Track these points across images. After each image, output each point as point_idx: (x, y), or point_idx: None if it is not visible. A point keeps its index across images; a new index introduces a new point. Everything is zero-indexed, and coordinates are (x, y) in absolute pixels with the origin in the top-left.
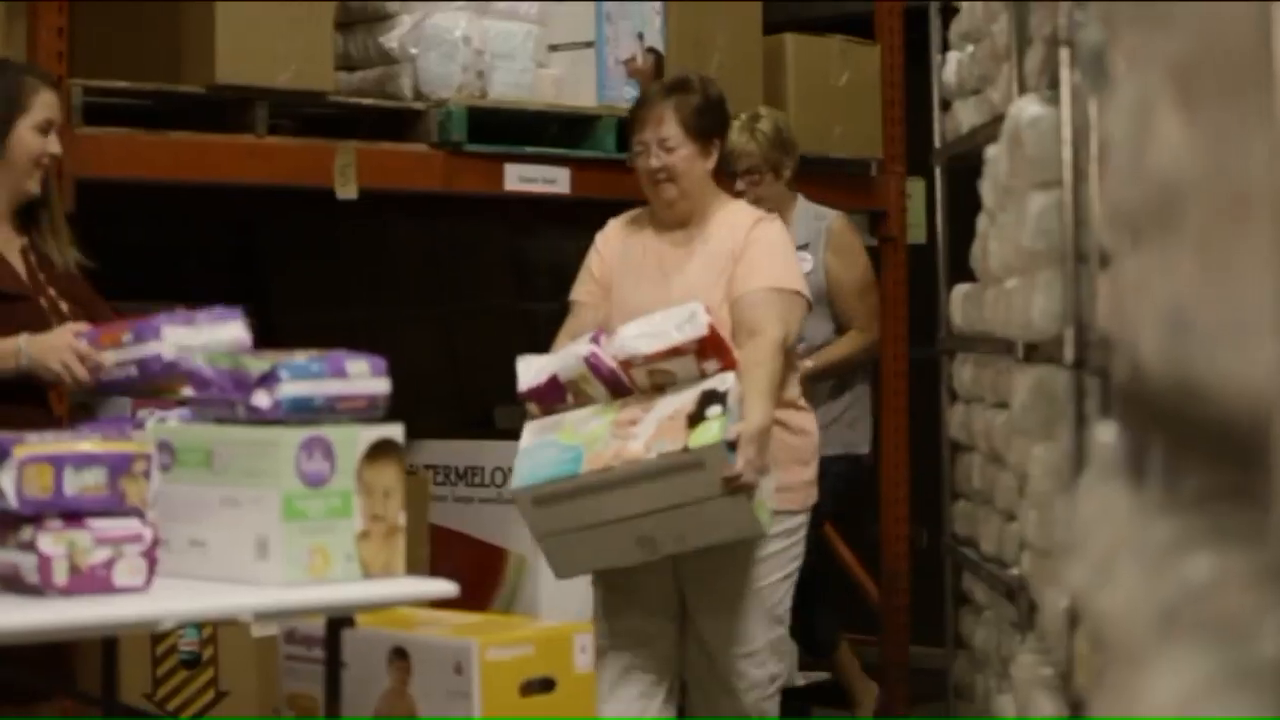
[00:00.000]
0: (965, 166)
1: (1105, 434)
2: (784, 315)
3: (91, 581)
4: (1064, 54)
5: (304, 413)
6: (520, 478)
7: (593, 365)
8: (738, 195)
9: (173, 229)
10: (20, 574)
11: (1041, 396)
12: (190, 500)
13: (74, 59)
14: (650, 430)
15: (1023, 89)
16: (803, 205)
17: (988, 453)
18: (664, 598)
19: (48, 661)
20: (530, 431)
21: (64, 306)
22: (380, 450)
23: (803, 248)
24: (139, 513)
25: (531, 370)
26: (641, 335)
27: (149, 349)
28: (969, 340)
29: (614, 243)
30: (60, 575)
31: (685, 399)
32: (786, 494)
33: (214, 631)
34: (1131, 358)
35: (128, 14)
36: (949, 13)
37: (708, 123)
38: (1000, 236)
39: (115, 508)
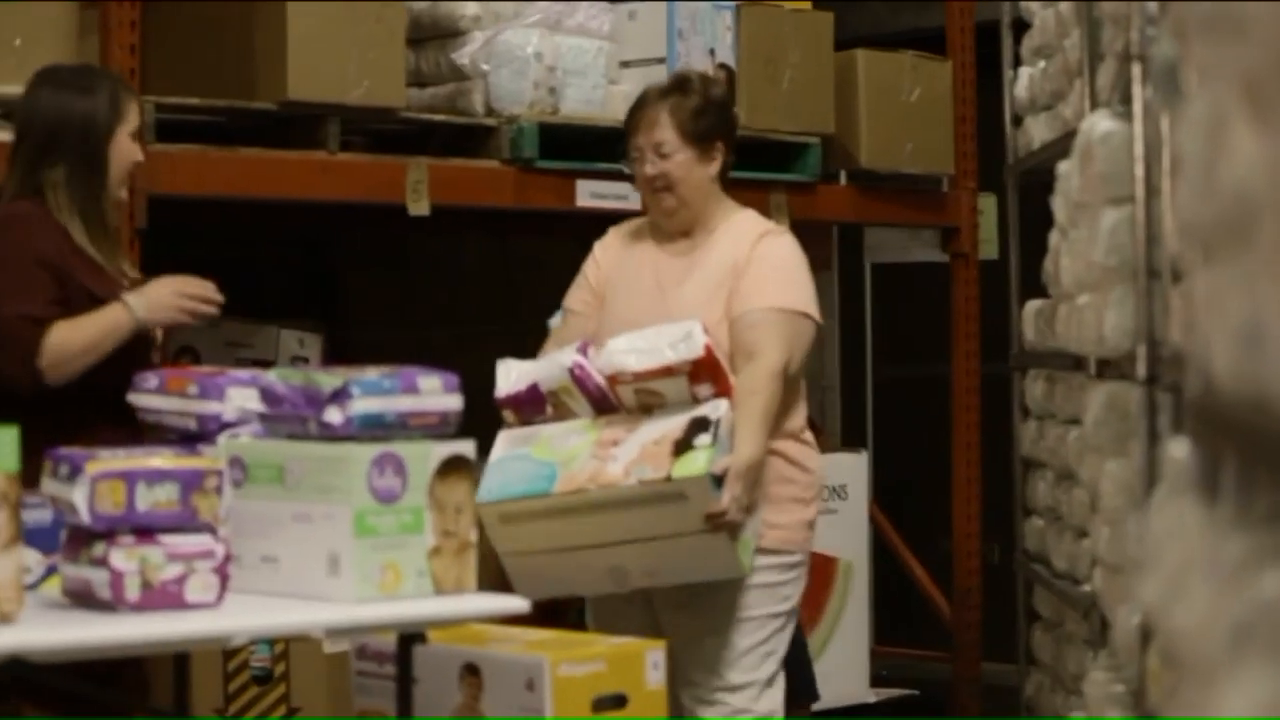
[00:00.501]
0: (1037, 182)
1: (1178, 450)
2: (787, 339)
3: (163, 597)
4: (1136, 69)
5: (376, 429)
6: (487, 491)
7: (578, 378)
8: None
9: (244, 246)
10: (92, 590)
11: (1114, 412)
12: (262, 516)
13: (146, 75)
14: (632, 453)
15: (1095, 104)
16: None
17: (1059, 469)
18: (643, 627)
19: (120, 677)
20: (503, 442)
21: None
22: (452, 466)
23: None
24: (211, 528)
25: (511, 376)
26: (632, 350)
27: (210, 407)
28: (1041, 356)
29: (613, 251)
30: (132, 591)
31: (673, 424)
32: (780, 531)
33: (286, 647)
34: (1204, 373)
35: (199, 30)
36: (1021, 28)
37: (708, 126)
38: (1072, 252)
39: (187, 523)
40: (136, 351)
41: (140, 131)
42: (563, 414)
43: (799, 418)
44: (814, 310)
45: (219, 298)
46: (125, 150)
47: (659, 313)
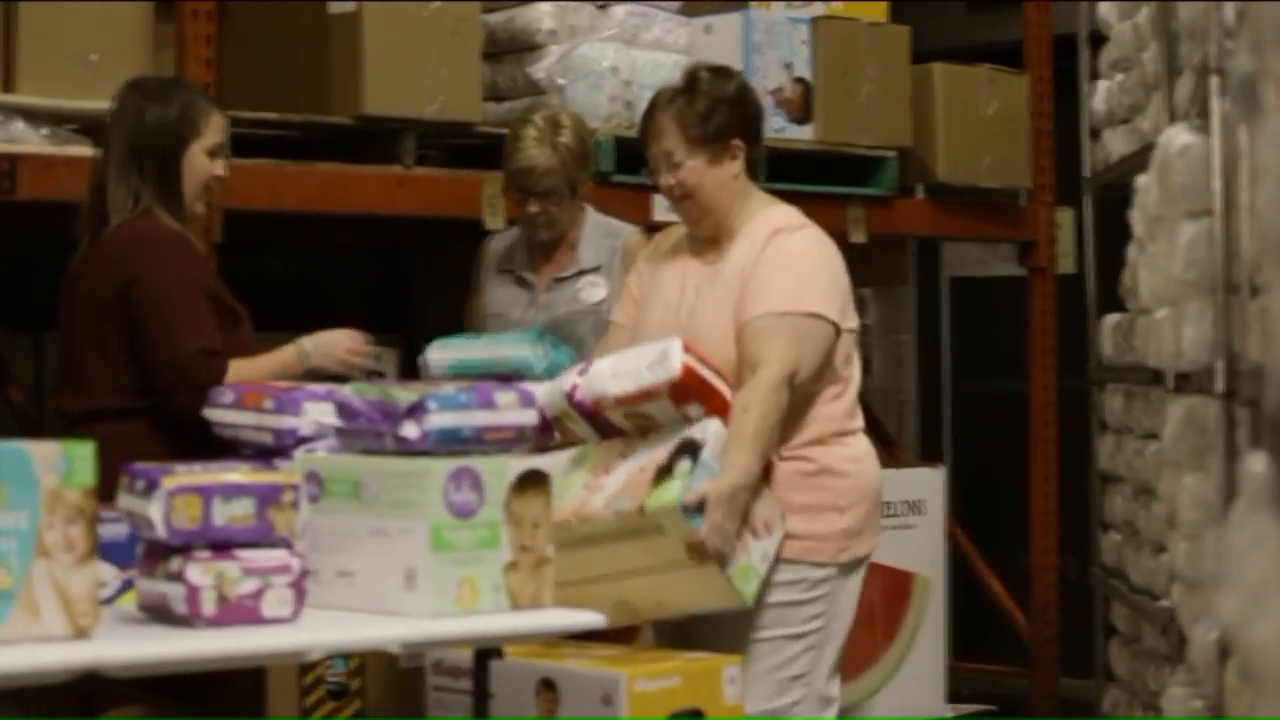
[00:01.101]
0: (1115, 196)
1: (1256, 464)
2: (792, 345)
3: (239, 612)
4: (1214, 82)
5: (452, 443)
6: None
7: (575, 402)
8: (528, 216)
9: (320, 260)
10: (168, 604)
11: (1192, 427)
12: (338, 531)
13: (222, 90)
14: (618, 483)
15: (1173, 118)
16: (593, 221)
17: (1137, 484)
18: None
19: (196, 692)
20: None
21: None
22: (528, 481)
23: (593, 270)
24: (287, 543)
25: None
26: (613, 374)
27: (287, 422)
28: (1118, 370)
29: (653, 259)
30: (208, 606)
31: (662, 449)
32: (809, 543)
33: (362, 662)
34: None
35: (275, 45)
36: (1098, 41)
37: (719, 126)
38: (1150, 266)
39: (263, 538)
40: None
41: (224, 146)
42: (570, 438)
43: (834, 422)
44: (828, 308)
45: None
46: (199, 165)
47: (679, 326)
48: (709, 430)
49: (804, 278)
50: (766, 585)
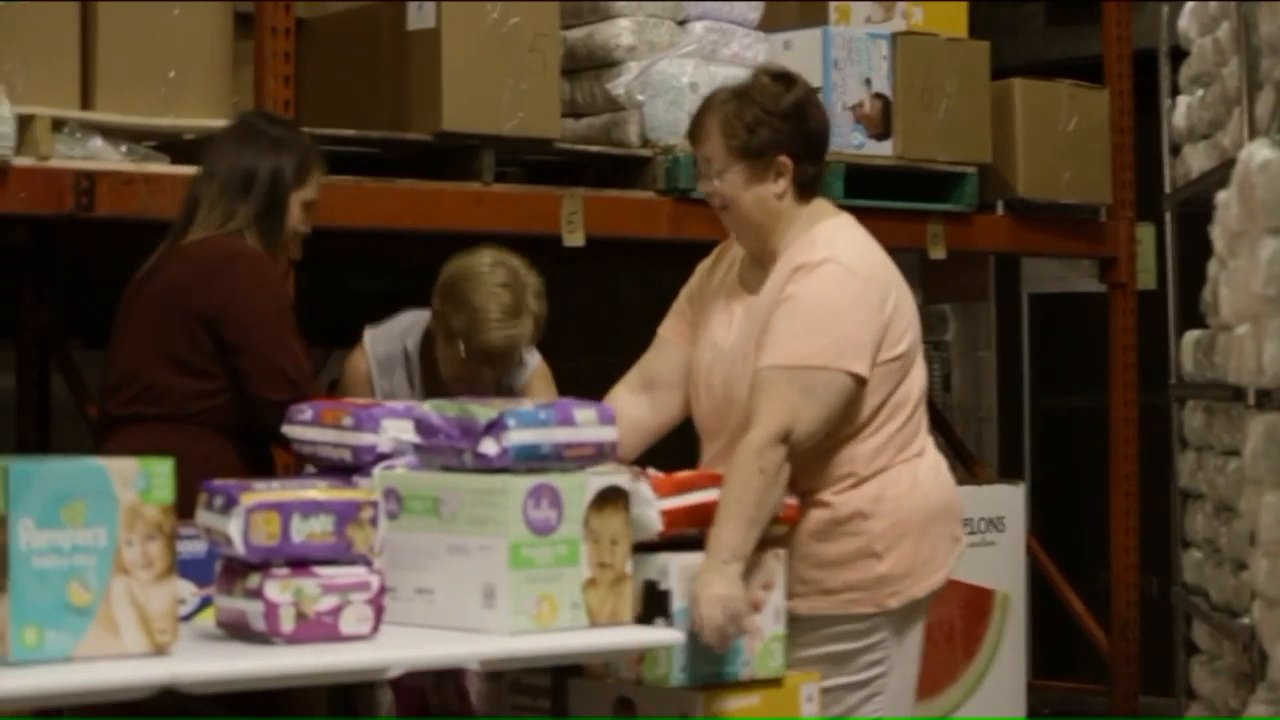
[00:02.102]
0: (1195, 211)
1: None
2: (786, 403)
3: (318, 629)
4: None
5: (531, 460)
6: None
7: None
8: (472, 378)
9: (399, 277)
10: (247, 621)
11: (1273, 444)
12: (417, 548)
13: (300, 107)
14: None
15: (1253, 133)
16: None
17: (1218, 500)
18: None
19: (274, 710)
20: None
21: None
22: (607, 498)
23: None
24: (366, 560)
25: None
26: None
27: (365, 439)
28: (1199, 387)
29: (711, 274)
30: (287, 623)
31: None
32: (848, 596)
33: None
34: None
35: (354, 62)
36: (1179, 56)
37: (765, 140)
38: (1231, 282)
39: (342, 555)
40: None
41: (313, 205)
42: None
43: (861, 462)
44: (839, 357)
45: None
46: (294, 215)
47: (716, 362)
48: (670, 568)
49: (813, 327)
50: (810, 634)
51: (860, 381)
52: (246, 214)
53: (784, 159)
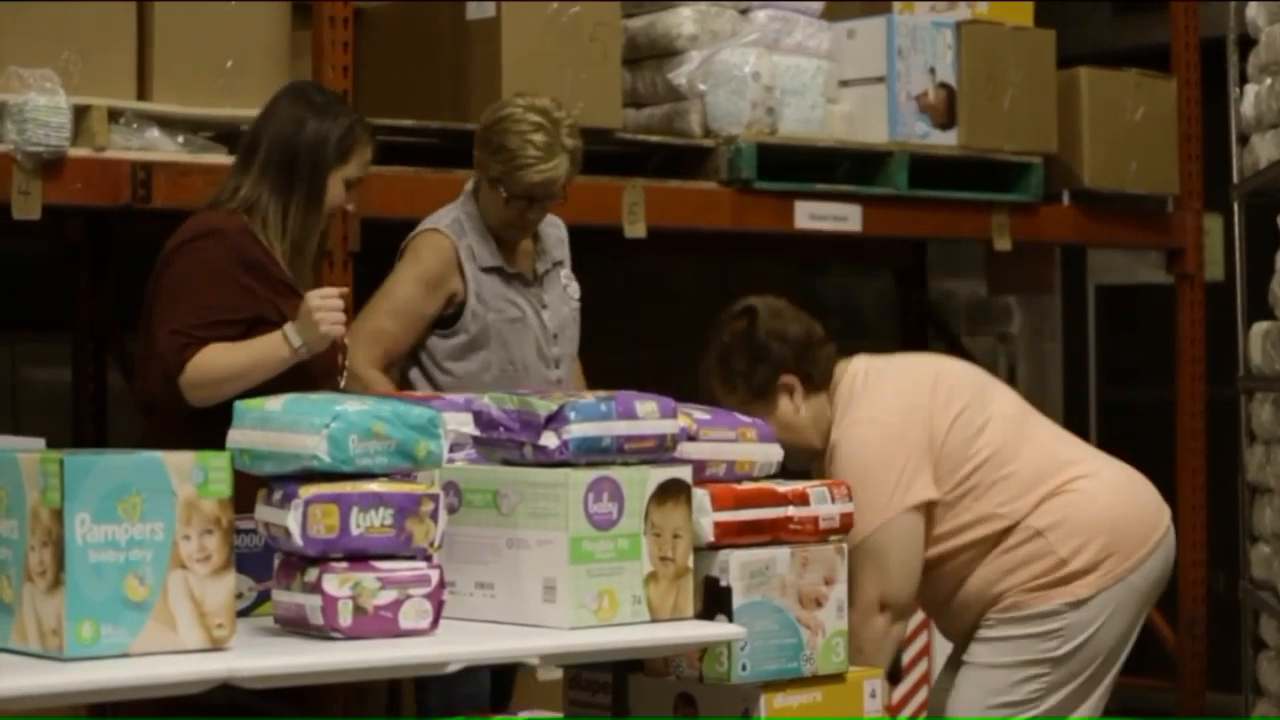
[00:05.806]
0: (1264, 202)
1: None
2: (867, 573)
3: (377, 623)
4: None
5: (592, 454)
6: None
7: None
8: (524, 222)
9: None
10: (305, 615)
11: None
12: (477, 542)
13: (358, 97)
14: None
15: None
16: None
17: None
18: None
19: (332, 703)
20: None
21: None
22: (669, 491)
23: (560, 264)
24: (425, 554)
25: None
26: None
27: None
28: (1268, 379)
29: None
30: (345, 617)
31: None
32: (1027, 595)
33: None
34: None
35: (413, 52)
36: (1247, 44)
37: (762, 380)
38: None
39: (401, 549)
40: (319, 379)
41: (358, 182)
42: None
43: (985, 525)
44: (888, 508)
45: (340, 298)
46: (335, 192)
47: None
48: (730, 569)
49: (857, 497)
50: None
51: (929, 504)
52: (279, 192)
53: (777, 375)
